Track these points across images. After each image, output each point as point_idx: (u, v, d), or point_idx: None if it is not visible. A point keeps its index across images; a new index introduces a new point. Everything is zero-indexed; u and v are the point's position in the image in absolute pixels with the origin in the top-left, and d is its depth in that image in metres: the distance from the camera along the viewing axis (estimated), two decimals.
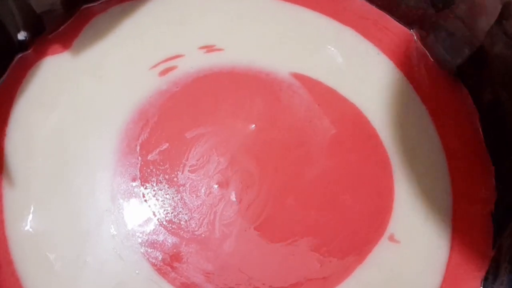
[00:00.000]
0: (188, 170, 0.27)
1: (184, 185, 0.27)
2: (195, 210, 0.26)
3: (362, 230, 0.26)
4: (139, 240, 0.25)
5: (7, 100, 0.28)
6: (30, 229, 0.25)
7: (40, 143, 0.27)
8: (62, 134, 0.27)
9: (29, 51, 0.29)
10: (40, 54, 0.29)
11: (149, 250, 0.25)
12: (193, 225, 0.26)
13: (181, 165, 0.27)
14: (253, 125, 0.28)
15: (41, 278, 0.24)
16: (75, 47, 0.29)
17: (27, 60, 0.29)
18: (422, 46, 0.32)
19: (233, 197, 0.26)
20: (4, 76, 0.28)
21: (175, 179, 0.27)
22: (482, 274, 0.26)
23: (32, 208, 0.25)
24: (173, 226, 0.26)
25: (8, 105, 0.28)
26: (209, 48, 0.30)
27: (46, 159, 0.26)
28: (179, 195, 0.26)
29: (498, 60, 0.27)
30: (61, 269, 0.24)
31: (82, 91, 0.28)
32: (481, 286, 0.26)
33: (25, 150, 0.27)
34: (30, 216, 0.25)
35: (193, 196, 0.26)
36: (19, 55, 0.29)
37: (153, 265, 0.25)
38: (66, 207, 0.25)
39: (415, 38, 0.32)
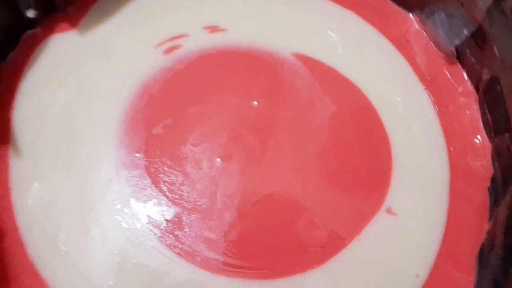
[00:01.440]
0: (191, 144, 0.28)
1: (186, 158, 0.27)
2: (197, 182, 0.27)
3: (360, 203, 0.27)
4: (142, 209, 0.26)
5: (15, 75, 0.28)
6: (36, 198, 0.25)
7: (47, 116, 0.27)
8: (69, 108, 0.28)
9: (37, 28, 0.30)
10: (48, 32, 0.30)
11: (151, 218, 0.26)
12: (195, 196, 0.26)
13: (185, 139, 0.28)
14: (256, 102, 0.29)
15: (45, 245, 0.25)
16: (82, 26, 0.30)
17: (36, 38, 0.30)
18: (421, 29, 0.32)
19: (234, 170, 0.27)
20: (13, 52, 0.29)
21: (178, 152, 0.27)
22: (477, 247, 0.26)
23: (37, 178, 0.26)
24: (175, 196, 0.26)
25: (16, 80, 0.28)
26: (213, 29, 0.31)
27: (53, 131, 0.27)
28: (182, 168, 0.27)
29: (496, 40, 0.28)
30: (65, 236, 0.25)
31: (89, 68, 0.29)
32: (476, 257, 0.26)
33: (32, 122, 0.27)
34: (36, 186, 0.26)
35: (195, 169, 0.27)
36: (28, 32, 0.29)
37: (156, 233, 0.25)
38: (71, 177, 0.26)
39: (414, 21, 0.32)
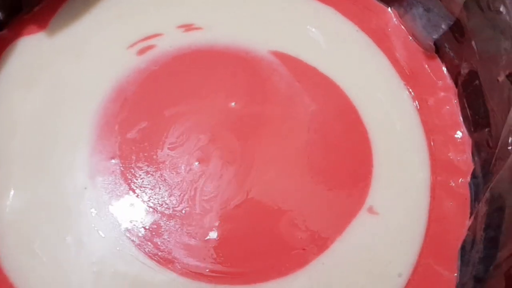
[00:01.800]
0: (168, 148, 0.27)
1: (164, 162, 0.27)
2: (175, 187, 0.26)
3: (342, 202, 0.27)
4: (119, 217, 0.25)
5: None
6: (11, 206, 0.25)
7: (18, 121, 0.27)
8: (40, 113, 0.27)
9: (4, 31, 0.29)
10: (16, 34, 0.29)
11: (129, 226, 0.25)
12: (174, 201, 0.26)
13: (161, 143, 0.27)
14: (233, 103, 0.28)
15: (20, 254, 0.24)
16: (51, 27, 0.29)
17: (3, 40, 0.29)
18: (400, 24, 0.32)
19: (213, 173, 0.26)
20: None
21: (155, 156, 0.27)
22: (459, 243, 0.26)
23: (12, 185, 0.25)
24: (153, 203, 0.26)
25: None
26: (187, 27, 0.30)
27: (25, 138, 0.26)
28: (159, 172, 0.26)
29: (474, 34, 0.27)
30: (41, 246, 0.24)
31: (60, 70, 0.28)
32: (458, 254, 0.26)
33: (4, 129, 0.26)
34: (10, 194, 0.25)
35: (173, 173, 0.26)
36: None
37: (134, 241, 0.25)
38: (45, 185, 0.25)
39: (393, 16, 0.32)
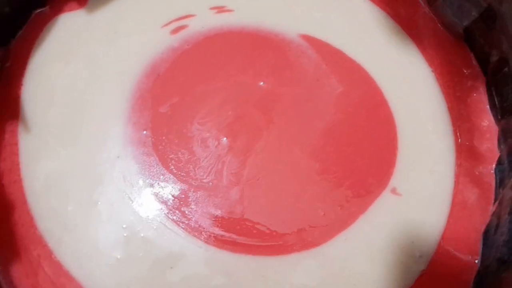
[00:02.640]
0: (198, 123, 0.28)
1: (193, 136, 0.27)
2: (203, 160, 0.27)
3: (365, 182, 0.27)
4: (149, 185, 0.26)
5: (24, 53, 0.29)
6: (44, 172, 0.26)
7: (55, 93, 0.28)
8: (77, 85, 0.28)
9: (46, 7, 0.30)
10: (57, 10, 0.30)
11: (158, 195, 0.26)
12: (201, 174, 0.26)
13: (191, 118, 0.28)
14: (262, 82, 0.29)
15: (53, 218, 0.25)
16: (90, 5, 0.30)
17: (44, 16, 0.30)
18: (429, 11, 0.32)
19: (240, 148, 0.27)
20: (22, 30, 0.29)
21: (185, 130, 0.27)
22: (482, 227, 0.26)
23: (46, 153, 0.26)
24: (181, 174, 0.26)
25: (25, 57, 0.29)
26: (220, 9, 0.31)
27: (61, 108, 0.27)
28: (188, 146, 0.27)
29: (505, 19, 0.27)
30: (73, 210, 0.25)
31: (97, 46, 0.29)
32: (481, 238, 0.26)
33: (41, 99, 0.28)
34: (44, 160, 0.26)
35: (202, 147, 0.27)
36: (37, 11, 0.30)
37: (163, 209, 0.26)
38: (79, 153, 0.26)
39: (422, 3, 0.32)
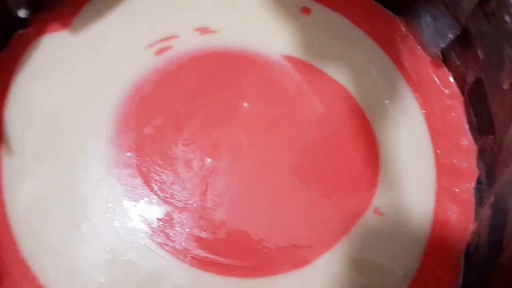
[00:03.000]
0: (182, 144, 0.28)
1: (177, 158, 0.27)
2: (188, 182, 0.27)
3: (348, 202, 0.27)
4: (134, 208, 0.26)
5: (6, 74, 0.29)
6: (27, 195, 0.26)
7: (38, 114, 0.28)
8: (60, 107, 0.28)
9: (29, 28, 0.30)
10: (40, 31, 0.30)
11: (143, 217, 0.26)
12: (186, 195, 0.27)
13: (175, 139, 0.28)
14: (246, 103, 0.29)
15: (36, 242, 0.25)
16: (74, 26, 0.30)
17: (27, 37, 0.30)
18: (408, 32, 0.33)
19: (224, 169, 0.27)
20: (4, 51, 0.29)
21: (169, 152, 0.28)
22: (463, 246, 0.27)
23: (29, 175, 0.26)
24: (166, 195, 0.26)
25: (7, 78, 0.28)
26: (203, 30, 0.31)
27: (44, 130, 0.27)
28: (173, 167, 0.27)
29: (479, 42, 0.28)
30: (56, 233, 0.25)
31: (80, 67, 0.29)
32: (462, 257, 0.27)
33: (24, 121, 0.27)
34: (28, 183, 0.26)
35: (186, 168, 0.27)
36: (19, 32, 0.30)
37: (147, 231, 0.25)
38: (62, 175, 0.26)
39: (401, 24, 0.33)
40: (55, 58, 0.29)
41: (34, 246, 0.25)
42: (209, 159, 0.28)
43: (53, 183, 0.26)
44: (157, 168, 0.27)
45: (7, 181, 0.26)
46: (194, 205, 0.26)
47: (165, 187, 0.27)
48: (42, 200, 0.26)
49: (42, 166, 0.26)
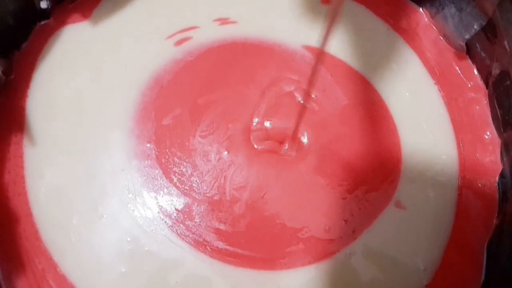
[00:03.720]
0: (199, 135, 0.28)
1: (195, 150, 0.27)
2: (206, 174, 0.27)
3: (370, 196, 0.27)
4: (154, 199, 0.26)
5: (28, 65, 0.29)
6: (49, 185, 0.26)
7: (59, 105, 0.28)
8: (81, 97, 0.28)
9: (50, 19, 0.30)
10: (61, 22, 0.30)
11: (163, 208, 0.26)
12: (204, 188, 0.26)
13: (193, 130, 0.28)
14: (265, 92, 0.29)
15: (58, 231, 0.25)
16: (94, 17, 0.30)
17: (48, 28, 0.30)
18: (431, 24, 0.32)
19: (242, 164, 0.27)
20: (26, 42, 0.29)
21: (187, 143, 0.27)
22: (485, 241, 0.26)
23: (51, 165, 0.26)
24: (185, 187, 0.26)
25: (29, 69, 0.29)
26: (223, 21, 0.31)
27: (65, 120, 0.27)
28: (191, 159, 0.27)
29: (507, 34, 0.28)
30: (77, 223, 0.25)
31: (101, 58, 0.29)
32: (484, 252, 0.26)
33: (46, 111, 0.28)
34: (49, 173, 0.26)
35: (203, 161, 0.27)
36: (41, 23, 0.30)
37: (167, 222, 0.26)
38: (84, 166, 0.26)
39: (424, 15, 0.32)
40: (76, 49, 0.29)
41: (55, 235, 0.25)
42: (225, 152, 0.27)
43: (74, 173, 0.26)
44: (176, 159, 0.27)
45: (29, 171, 0.26)
46: (213, 197, 0.26)
47: (184, 179, 0.27)
48: (64, 190, 0.26)
49: (63, 156, 0.27)
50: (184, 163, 0.27)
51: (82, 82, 0.28)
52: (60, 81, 0.28)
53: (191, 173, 0.27)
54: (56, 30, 0.30)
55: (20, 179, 0.26)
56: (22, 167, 0.26)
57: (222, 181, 0.27)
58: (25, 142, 0.27)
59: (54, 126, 0.27)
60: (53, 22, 0.30)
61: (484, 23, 0.29)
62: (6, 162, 0.26)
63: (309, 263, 0.25)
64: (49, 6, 0.30)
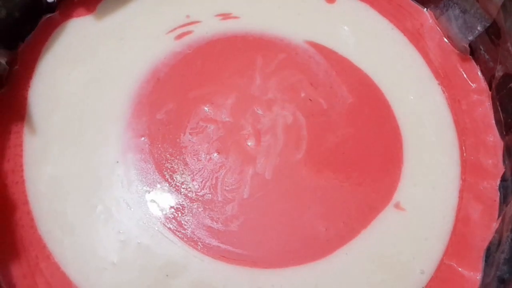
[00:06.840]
0: (189, 133, 0.28)
1: (186, 147, 0.27)
2: (197, 173, 0.27)
3: (369, 196, 0.27)
4: (146, 193, 0.26)
5: (32, 56, 0.29)
6: (46, 174, 0.26)
7: (61, 96, 0.28)
8: (82, 89, 0.28)
9: (56, 13, 0.30)
10: (66, 16, 0.31)
11: (155, 203, 0.26)
12: (196, 186, 0.26)
13: (183, 127, 0.28)
14: (263, 87, 0.29)
15: (53, 220, 0.25)
16: (98, 11, 0.31)
17: (54, 21, 0.30)
18: (435, 25, 0.32)
19: (233, 167, 0.27)
20: (31, 35, 0.30)
21: (178, 140, 0.27)
22: (484, 244, 0.26)
23: (49, 155, 0.27)
24: (177, 184, 0.26)
25: (33, 60, 0.29)
26: (225, 16, 0.31)
27: (66, 111, 0.28)
28: (182, 156, 0.27)
29: (510, 36, 0.27)
30: (72, 212, 0.25)
31: (103, 52, 0.30)
32: (483, 255, 0.26)
33: (47, 101, 0.28)
34: (47, 162, 0.26)
35: (194, 159, 0.27)
36: (46, 16, 0.30)
37: (159, 217, 0.25)
38: (80, 157, 0.27)
39: (428, 16, 0.32)
40: (80, 42, 0.30)
41: (51, 224, 0.25)
42: (215, 154, 0.27)
43: (72, 164, 0.26)
44: (168, 155, 0.27)
45: (28, 160, 0.26)
46: (205, 197, 0.26)
47: (176, 176, 0.26)
48: (60, 181, 0.26)
49: (61, 147, 0.27)
50: (176, 160, 0.27)
51: (84, 74, 0.29)
52: (62, 73, 0.29)
53: (182, 170, 0.27)
54: (61, 23, 0.30)
55: (19, 167, 0.26)
56: (21, 156, 0.26)
57: (214, 182, 0.26)
58: (26, 131, 0.27)
59: (54, 117, 0.28)
60: (58, 16, 0.30)
61: (487, 24, 0.28)
62: (6, 151, 0.27)
63: (304, 262, 0.25)
64: (55, 0, 0.30)
